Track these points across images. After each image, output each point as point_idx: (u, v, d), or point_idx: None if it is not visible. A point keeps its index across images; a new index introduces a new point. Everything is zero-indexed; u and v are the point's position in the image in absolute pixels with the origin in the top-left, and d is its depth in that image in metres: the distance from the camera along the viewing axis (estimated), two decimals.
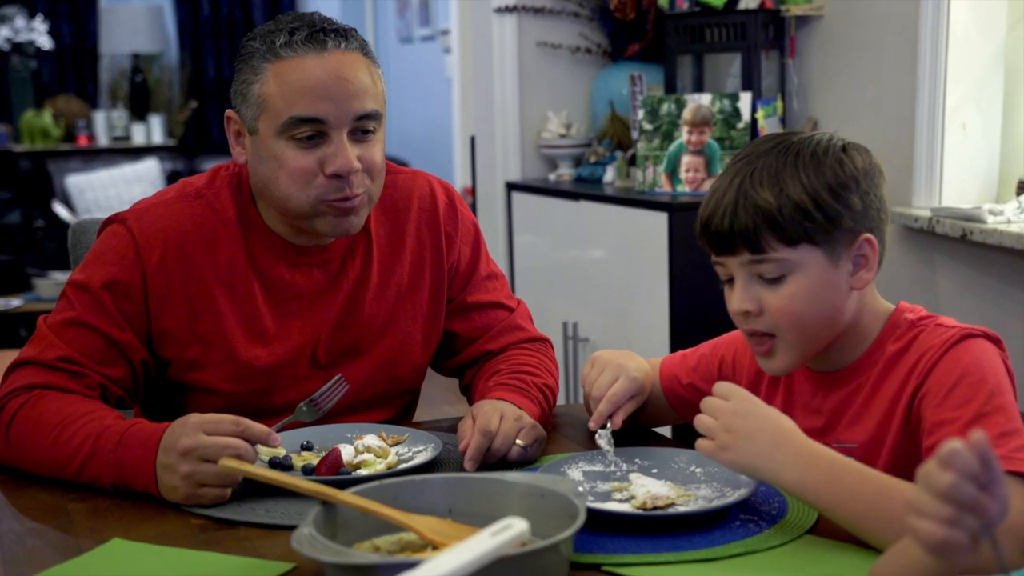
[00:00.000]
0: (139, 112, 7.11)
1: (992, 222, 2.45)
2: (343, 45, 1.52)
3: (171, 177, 6.89)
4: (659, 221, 2.95)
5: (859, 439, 1.32)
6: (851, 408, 1.34)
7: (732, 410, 1.24)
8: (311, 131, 1.50)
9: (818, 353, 1.35)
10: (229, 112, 1.58)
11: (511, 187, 3.66)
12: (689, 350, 1.60)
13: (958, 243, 2.62)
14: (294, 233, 1.60)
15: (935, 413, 1.23)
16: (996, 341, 1.29)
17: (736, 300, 1.31)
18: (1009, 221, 2.45)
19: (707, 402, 1.27)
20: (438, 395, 2.77)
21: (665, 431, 1.69)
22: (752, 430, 1.23)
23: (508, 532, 0.99)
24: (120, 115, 7.05)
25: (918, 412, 1.27)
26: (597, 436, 1.47)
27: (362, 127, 1.52)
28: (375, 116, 1.53)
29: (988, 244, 2.46)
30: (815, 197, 1.27)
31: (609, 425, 1.48)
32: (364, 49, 1.55)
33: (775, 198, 1.26)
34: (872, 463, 1.30)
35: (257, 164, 1.55)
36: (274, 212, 1.58)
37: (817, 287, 1.29)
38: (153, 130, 7.06)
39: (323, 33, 1.51)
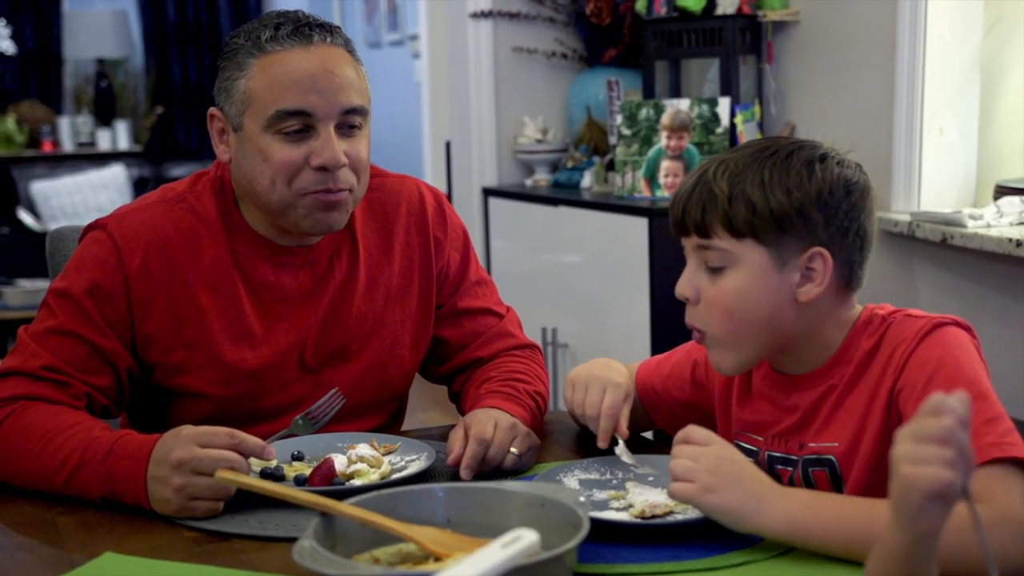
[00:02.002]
0: (104, 118, 7.04)
1: (972, 226, 2.46)
2: (328, 40, 1.51)
3: (137, 183, 6.82)
4: (639, 226, 2.94)
5: (838, 439, 1.31)
6: (825, 407, 1.33)
7: (717, 454, 1.21)
8: (298, 124, 1.49)
9: (764, 357, 1.35)
10: (212, 110, 1.56)
11: (488, 192, 3.65)
12: (663, 356, 1.59)
13: (938, 247, 2.63)
14: (278, 233, 1.58)
15: (916, 406, 1.22)
16: (967, 328, 1.28)
17: (679, 284, 1.34)
18: (989, 225, 2.46)
19: (683, 448, 1.23)
20: (410, 401, 2.72)
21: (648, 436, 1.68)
22: (740, 473, 1.20)
23: (518, 544, 0.97)
24: (85, 121, 6.97)
25: (898, 408, 1.26)
26: (617, 452, 1.43)
27: (348, 121, 1.51)
28: (361, 111, 1.53)
29: (968, 248, 2.47)
30: (769, 196, 1.26)
31: (620, 439, 1.46)
32: (348, 46, 1.54)
33: (728, 188, 1.27)
34: (853, 462, 1.30)
35: (242, 160, 1.53)
36: (258, 212, 1.56)
37: (755, 287, 1.28)
38: (119, 136, 6.99)
39: (309, 27, 1.51)
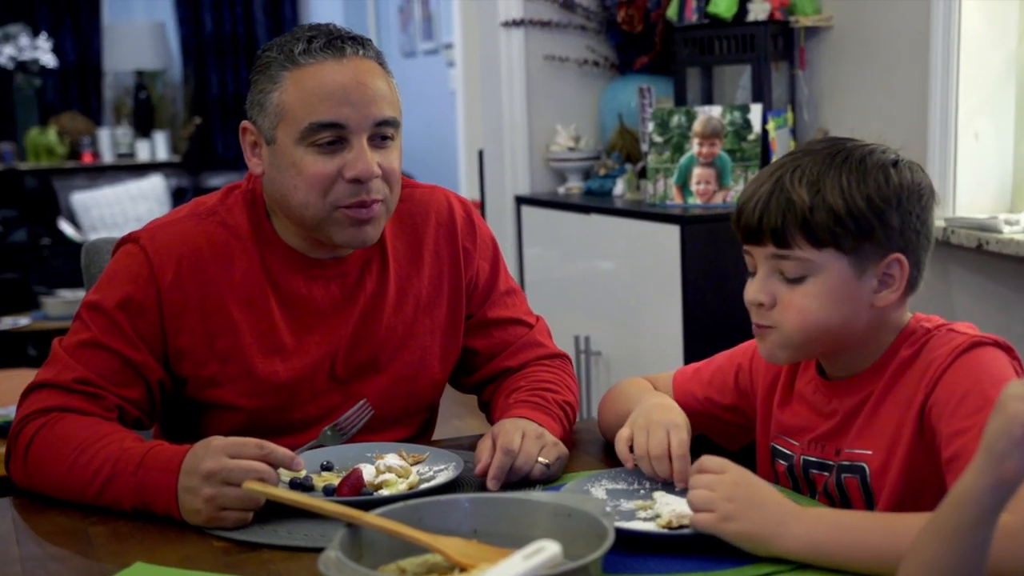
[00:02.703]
0: (143, 129, 7.12)
1: (1008, 232, 2.44)
2: (361, 52, 1.52)
3: (176, 193, 6.89)
4: (671, 233, 2.93)
5: (871, 448, 1.31)
6: (861, 415, 1.33)
7: (733, 481, 1.21)
8: (331, 136, 1.49)
9: (820, 355, 1.34)
10: (245, 123, 1.57)
11: (520, 201, 3.66)
12: (702, 363, 1.58)
13: (973, 253, 2.61)
14: (310, 246, 1.59)
15: (949, 424, 1.22)
16: (1007, 349, 1.27)
17: (752, 290, 1.31)
18: None
19: (698, 478, 1.23)
20: (445, 408, 2.74)
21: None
22: (759, 499, 1.20)
23: (541, 555, 0.98)
24: (124, 132, 7.06)
25: (929, 424, 1.25)
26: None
27: (381, 133, 1.52)
28: (393, 123, 1.53)
29: (1004, 254, 2.45)
30: (851, 205, 1.25)
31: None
32: (380, 58, 1.56)
33: (810, 198, 1.26)
34: (885, 474, 1.29)
35: (275, 174, 1.54)
36: (290, 225, 1.57)
37: (834, 295, 1.28)
38: (157, 146, 7.07)
39: (341, 40, 1.52)
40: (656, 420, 1.45)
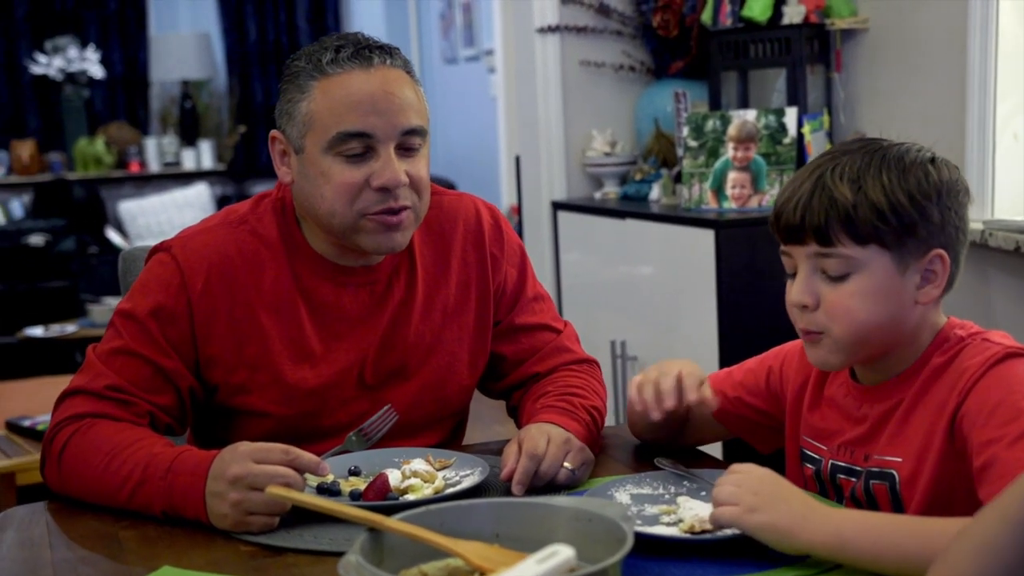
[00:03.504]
0: (189, 138, 7.21)
1: None
2: (388, 62, 1.54)
3: (220, 201, 6.96)
4: (706, 238, 2.93)
5: (901, 455, 1.30)
6: (892, 421, 1.32)
7: (759, 477, 1.21)
8: (359, 146, 1.51)
9: (869, 359, 1.33)
10: (274, 132, 1.59)
11: (557, 206, 3.66)
12: (735, 367, 1.58)
13: (1012, 256, 2.58)
14: (339, 253, 1.60)
15: (980, 433, 1.21)
16: None
17: (795, 292, 1.30)
18: None
19: (725, 477, 1.23)
20: (488, 414, 2.75)
21: (712, 450, 1.67)
22: (784, 493, 1.20)
23: (555, 559, 0.98)
24: (170, 141, 7.15)
25: (960, 433, 1.24)
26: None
27: (408, 143, 1.53)
28: (421, 132, 1.55)
29: None
30: (893, 201, 1.26)
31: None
32: (407, 67, 1.57)
33: (852, 195, 1.26)
34: (916, 482, 1.28)
35: (303, 182, 1.56)
36: (319, 233, 1.59)
37: (879, 291, 1.27)
38: (203, 155, 7.15)
39: (368, 50, 1.53)
40: (669, 366, 1.48)
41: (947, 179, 1.29)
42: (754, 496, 1.19)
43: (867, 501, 1.34)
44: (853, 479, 1.35)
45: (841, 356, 1.32)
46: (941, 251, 1.28)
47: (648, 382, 1.47)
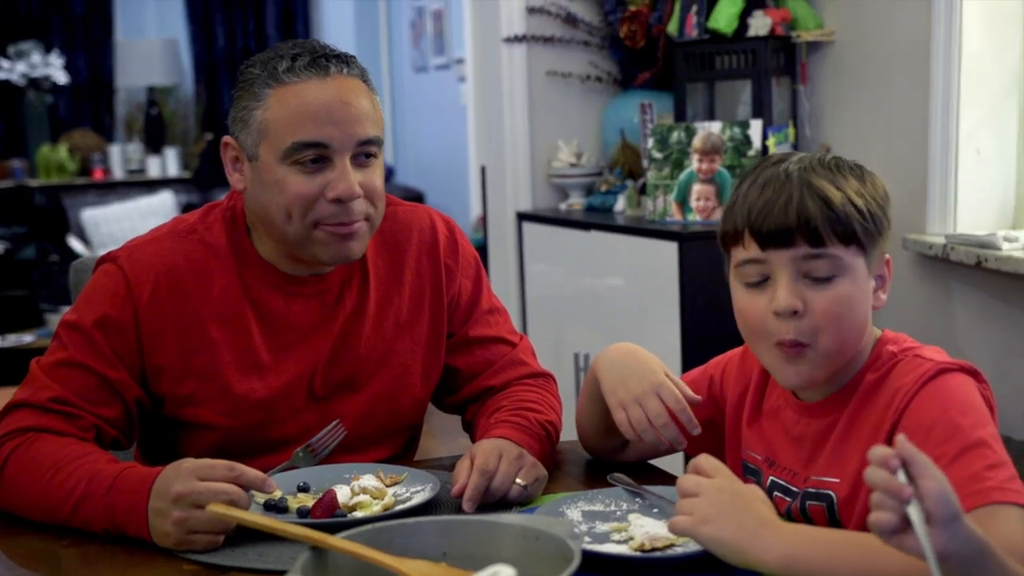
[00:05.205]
0: (154, 145, 7.15)
1: (1007, 249, 2.41)
2: (345, 71, 1.52)
3: (186, 209, 6.89)
4: (670, 251, 2.92)
5: (839, 476, 1.29)
6: (830, 439, 1.31)
7: (718, 486, 1.19)
8: (314, 155, 1.49)
9: (832, 375, 1.31)
10: (227, 139, 1.57)
11: (522, 217, 3.64)
12: (680, 377, 1.57)
13: (973, 270, 2.58)
14: (290, 263, 1.58)
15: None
16: (974, 373, 1.26)
17: (783, 297, 1.25)
18: None
19: (687, 479, 1.21)
20: (453, 426, 2.73)
21: (665, 464, 1.65)
22: (741, 505, 1.17)
23: None
24: (135, 148, 7.08)
25: None
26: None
27: (364, 151, 1.52)
28: (377, 142, 1.53)
29: (1003, 271, 2.42)
30: (869, 203, 1.27)
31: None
32: (364, 76, 1.55)
33: (839, 194, 1.26)
34: (853, 503, 1.27)
35: (257, 191, 1.54)
36: (270, 242, 1.57)
37: (858, 295, 1.27)
38: (168, 163, 7.09)
39: (325, 59, 1.51)
40: (639, 391, 1.45)
41: (884, 186, 1.32)
42: (709, 507, 1.17)
43: (804, 521, 1.32)
44: (789, 499, 1.34)
45: (824, 370, 1.29)
46: (887, 256, 1.31)
47: (647, 431, 1.44)
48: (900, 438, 0.97)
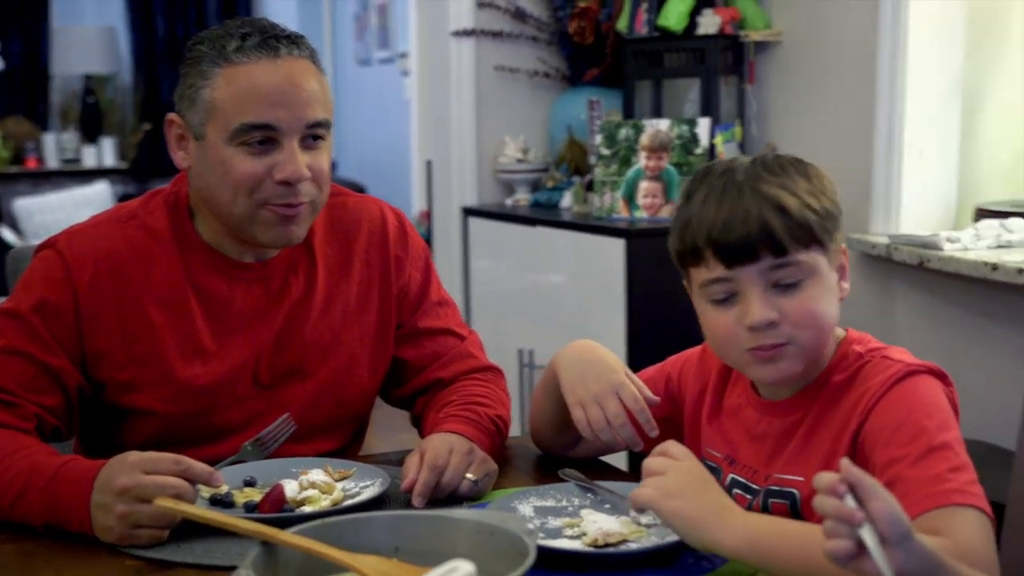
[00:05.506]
0: (90, 134, 7.01)
1: (949, 249, 2.44)
2: (295, 52, 1.50)
3: (122, 200, 6.78)
4: (616, 247, 2.92)
5: (803, 474, 1.29)
6: (794, 438, 1.31)
7: (687, 468, 1.19)
8: (262, 137, 1.48)
9: (811, 365, 1.30)
10: (171, 116, 1.54)
11: (467, 212, 3.62)
12: (635, 375, 1.56)
13: (916, 270, 2.61)
14: (234, 247, 1.56)
15: (883, 453, 1.20)
16: (941, 376, 1.26)
17: (758, 312, 1.24)
18: (966, 248, 2.44)
19: (652, 460, 1.20)
20: (395, 422, 2.71)
21: (615, 460, 1.65)
22: (706, 487, 1.18)
23: (455, 575, 0.94)
24: (71, 137, 6.95)
25: (863, 453, 1.23)
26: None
27: (313, 134, 1.51)
28: (326, 124, 1.52)
29: (945, 272, 2.45)
30: (821, 200, 1.27)
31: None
32: (313, 57, 1.53)
33: (794, 199, 1.25)
34: None
35: (202, 170, 1.51)
36: (214, 225, 1.55)
37: (826, 292, 1.27)
38: (105, 153, 6.96)
39: (275, 39, 1.49)
40: (598, 389, 1.45)
41: (825, 173, 1.32)
42: (676, 483, 1.17)
43: None
44: (749, 496, 1.33)
45: (803, 362, 1.29)
46: (843, 245, 1.31)
47: (604, 430, 1.44)
48: (844, 462, 0.97)
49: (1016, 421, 1.63)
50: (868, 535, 0.95)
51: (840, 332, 1.32)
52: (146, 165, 7.13)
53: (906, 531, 0.96)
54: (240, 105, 1.47)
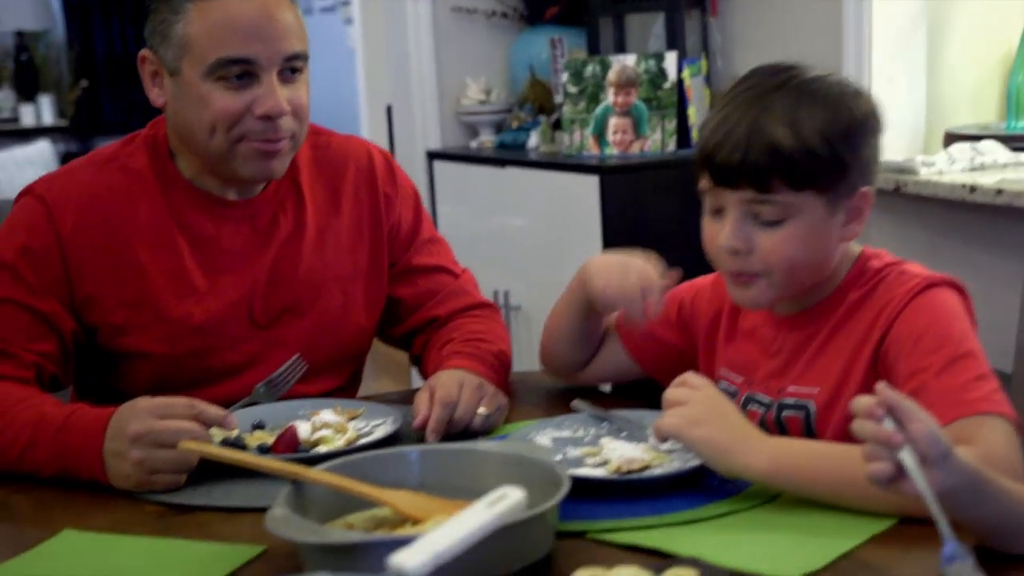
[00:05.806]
0: (27, 93, 6.84)
1: (925, 173, 2.45)
2: None
3: (64, 158, 6.63)
4: (590, 184, 2.90)
5: (818, 385, 1.30)
6: (808, 351, 1.31)
7: (708, 395, 1.19)
8: (240, 71, 1.44)
9: (794, 295, 1.31)
10: (144, 52, 1.50)
11: (432, 156, 3.59)
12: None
13: (891, 196, 2.63)
14: (216, 185, 1.54)
15: (907, 363, 1.21)
16: (959, 289, 1.27)
17: (726, 236, 1.25)
18: (941, 172, 2.46)
19: (673, 391, 1.20)
20: (378, 363, 2.71)
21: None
22: (730, 414, 1.18)
23: (505, 502, 0.93)
24: (6, 96, 6.78)
25: (886, 363, 1.24)
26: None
27: (291, 67, 1.48)
28: (303, 56, 1.49)
29: (922, 196, 2.47)
30: (830, 143, 1.22)
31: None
32: None
33: (791, 139, 1.21)
34: (831, 413, 1.28)
35: (179, 106, 1.48)
36: (195, 163, 1.52)
37: (811, 234, 1.25)
38: (43, 111, 6.80)
39: None
40: (621, 269, 1.47)
41: (870, 111, 1.27)
42: (700, 411, 1.17)
43: (779, 432, 1.33)
44: (762, 409, 1.34)
45: (773, 295, 1.30)
46: (866, 188, 1.27)
47: (613, 285, 1.46)
48: (880, 386, 0.97)
49: (1000, 342, 1.64)
50: (908, 457, 0.96)
51: (856, 248, 1.33)
52: (86, 123, 6.97)
53: (945, 450, 0.97)
54: (216, 39, 1.43)
